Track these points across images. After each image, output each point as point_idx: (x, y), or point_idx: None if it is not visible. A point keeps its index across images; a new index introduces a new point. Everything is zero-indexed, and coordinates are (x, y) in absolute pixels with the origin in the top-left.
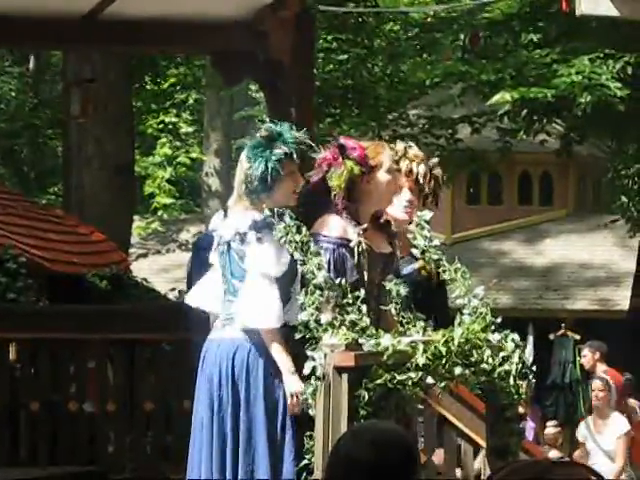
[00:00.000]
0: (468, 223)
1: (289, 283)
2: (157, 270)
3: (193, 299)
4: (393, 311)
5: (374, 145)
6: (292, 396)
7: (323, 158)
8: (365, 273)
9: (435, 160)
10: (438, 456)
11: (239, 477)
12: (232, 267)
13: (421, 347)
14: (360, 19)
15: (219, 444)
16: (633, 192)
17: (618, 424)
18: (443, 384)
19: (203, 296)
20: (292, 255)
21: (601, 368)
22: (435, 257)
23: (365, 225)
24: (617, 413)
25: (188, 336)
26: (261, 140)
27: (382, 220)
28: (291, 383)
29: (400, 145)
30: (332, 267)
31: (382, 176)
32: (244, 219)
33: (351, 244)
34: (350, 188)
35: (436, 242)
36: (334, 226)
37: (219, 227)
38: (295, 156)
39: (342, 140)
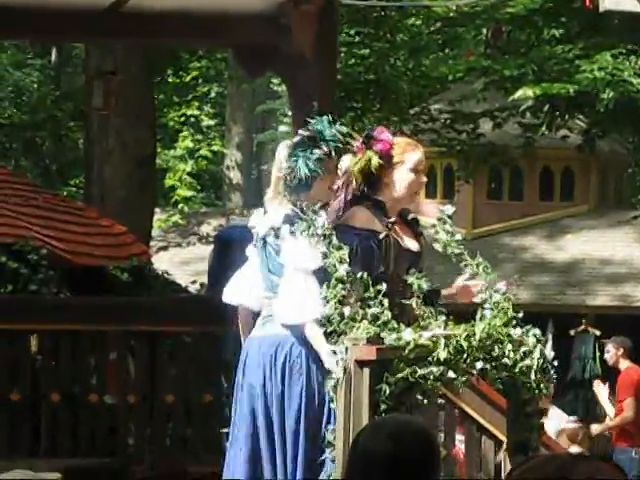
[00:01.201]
0: (489, 218)
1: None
2: (178, 263)
3: (229, 295)
4: (414, 305)
5: (404, 142)
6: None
7: (352, 149)
8: (391, 265)
9: None
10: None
11: (278, 476)
12: (269, 263)
13: (442, 341)
14: (382, 13)
15: (255, 445)
16: None
17: (554, 420)
18: (464, 378)
19: (237, 291)
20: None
21: (624, 364)
22: (457, 251)
23: (394, 218)
24: (555, 408)
25: (209, 328)
26: (303, 139)
27: (410, 218)
28: (331, 364)
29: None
30: (359, 257)
31: (403, 173)
32: (278, 214)
33: (379, 235)
34: (373, 180)
35: (458, 236)
36: (362, 218)
37: (258, 224)
38: (334, 154)
39: (375, 131)
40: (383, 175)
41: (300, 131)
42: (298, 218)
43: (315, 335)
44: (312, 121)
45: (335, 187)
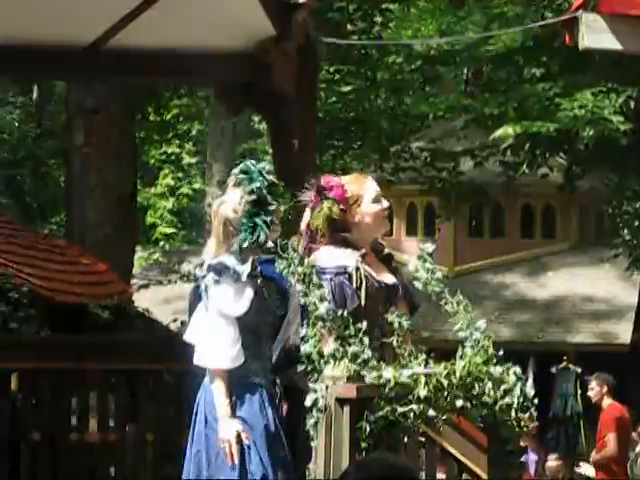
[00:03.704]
0: (470, 256)
1: (259, 319)
2: (159, 301)
3: (190, 335)
4: (395, 343)
5: (355, 178)
6: (223, 441)
7: (305, 202)
8: (364, 299)
9: None
10: None
11: None
12: (203, 308)
13: (423, 379)
14: (363, 51)
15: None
16: (634, 230)
17: None
18: (445, 416)
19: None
20: (265, 292)
21: (607, 401)
22: (437, 289)
23: (364, 250)
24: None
25: (189, 367)
26: (253, 205)
27: (384, 253)
28: (224, 428)
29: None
30: (332, 297)
31: (365, 207)
32: (206, 262)
33: (349, 269)
34: (340, 224)
35: (439, 274)
36: (330, 256)
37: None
38: (275, 202)
39: (322, 180)
40: (347, 217)
41: (245, 197)
42: (223, 266)
43: (217, 386)
44: (241, 176)
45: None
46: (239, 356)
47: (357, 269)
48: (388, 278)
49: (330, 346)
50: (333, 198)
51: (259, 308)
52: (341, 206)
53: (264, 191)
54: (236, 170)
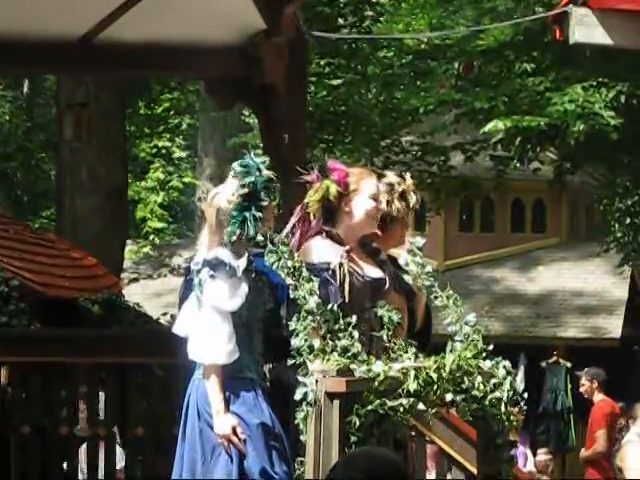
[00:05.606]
0: (461, 250)
1: (254, 311)
2: (149, 295)
3: (179, 327)
4: (385, 337)
5: (360, 171)
6: (220, 437)
7: (307, 181)
8: (346, 294)
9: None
10: None
11: None
12: (197, 302)
13: (412, 373)
14: (354, 45)
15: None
16: (624, 227)
17: None
18: (434, 410)
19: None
20: (258, 286)
21: (598, 397)
22: (427, 283)
23: (348, 247)
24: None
25: (180, 361)
26: (244, 199)
27: (372, 248)
28: (220, 425)
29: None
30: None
31: (361, 201)
32: (200, 256)
33: (332, 265)
34: (331, 210)
35: (428, 268)
36: (315, 252)
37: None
38: (270, 197)
39: (327, 163)
40: (342, 204)
41: (238, 190)
42: (218, 261)
43: (212, 382)
44: (239, 169)
45: (290, 226)
46: (234, 351)
47: (340, 265)
48: (375, 272)
49: (319, 340)
50: (333, 180)
51: (251, 302)
52: (339, 189)
53: (258, 186)
54: (236, 162)
